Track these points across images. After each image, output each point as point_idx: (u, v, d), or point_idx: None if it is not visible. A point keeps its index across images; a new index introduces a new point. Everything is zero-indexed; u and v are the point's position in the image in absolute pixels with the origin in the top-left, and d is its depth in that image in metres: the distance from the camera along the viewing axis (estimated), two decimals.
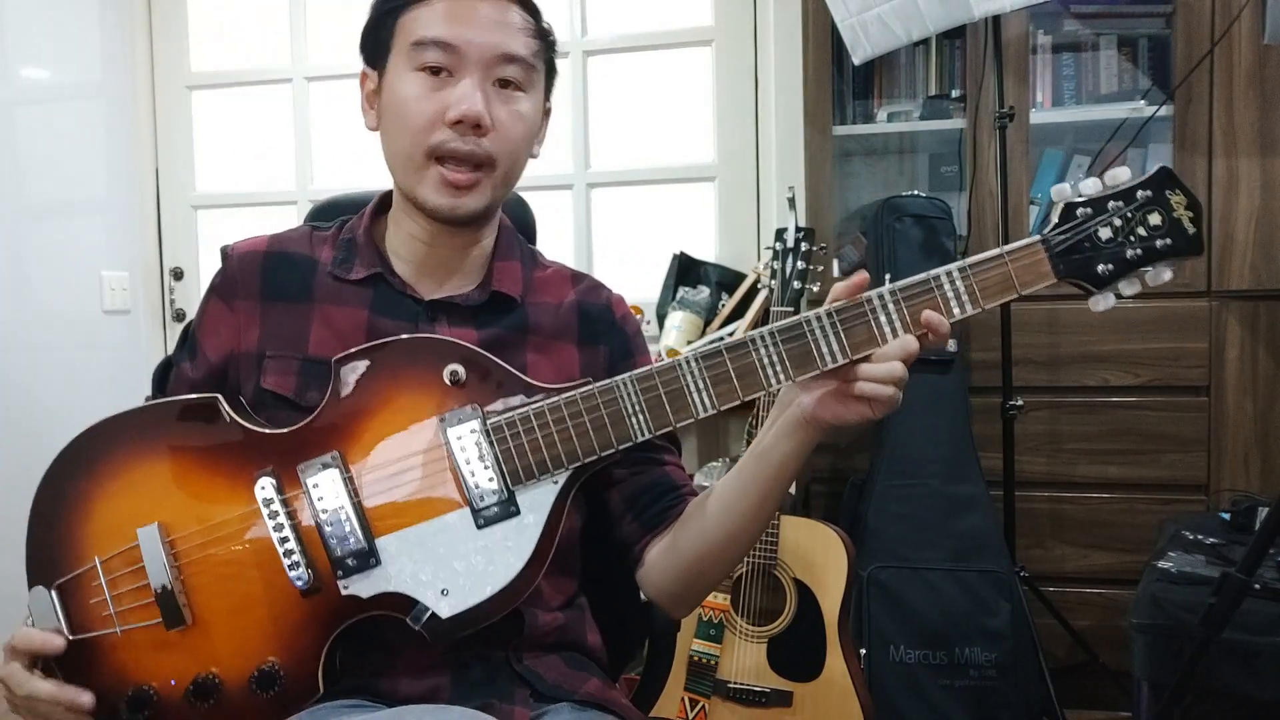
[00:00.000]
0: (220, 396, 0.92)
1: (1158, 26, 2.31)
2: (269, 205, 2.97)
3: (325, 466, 0.87)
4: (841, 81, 2.45)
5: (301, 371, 0.96)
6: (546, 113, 1.05)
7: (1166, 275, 0.84)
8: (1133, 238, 0.83)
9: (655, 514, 1.00)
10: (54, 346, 2.64)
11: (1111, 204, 0.83)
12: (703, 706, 1.78)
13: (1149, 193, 0.83)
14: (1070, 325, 2.23)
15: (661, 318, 2.51)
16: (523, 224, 1.22)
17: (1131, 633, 1.62)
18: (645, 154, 2.74)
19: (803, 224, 1.94)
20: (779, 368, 0.84)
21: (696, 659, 1.79)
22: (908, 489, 2.11)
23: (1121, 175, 0.84)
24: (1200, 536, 1.81)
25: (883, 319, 0.83)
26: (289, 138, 2.96)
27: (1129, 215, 0.83)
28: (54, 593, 0.89)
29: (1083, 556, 2.25)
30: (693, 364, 0.85)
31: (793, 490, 2.12)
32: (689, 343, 2.41)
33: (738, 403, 0.86)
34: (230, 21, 3.00)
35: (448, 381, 0.88)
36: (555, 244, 2.77)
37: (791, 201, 2.01)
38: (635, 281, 2.64)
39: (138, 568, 0.88)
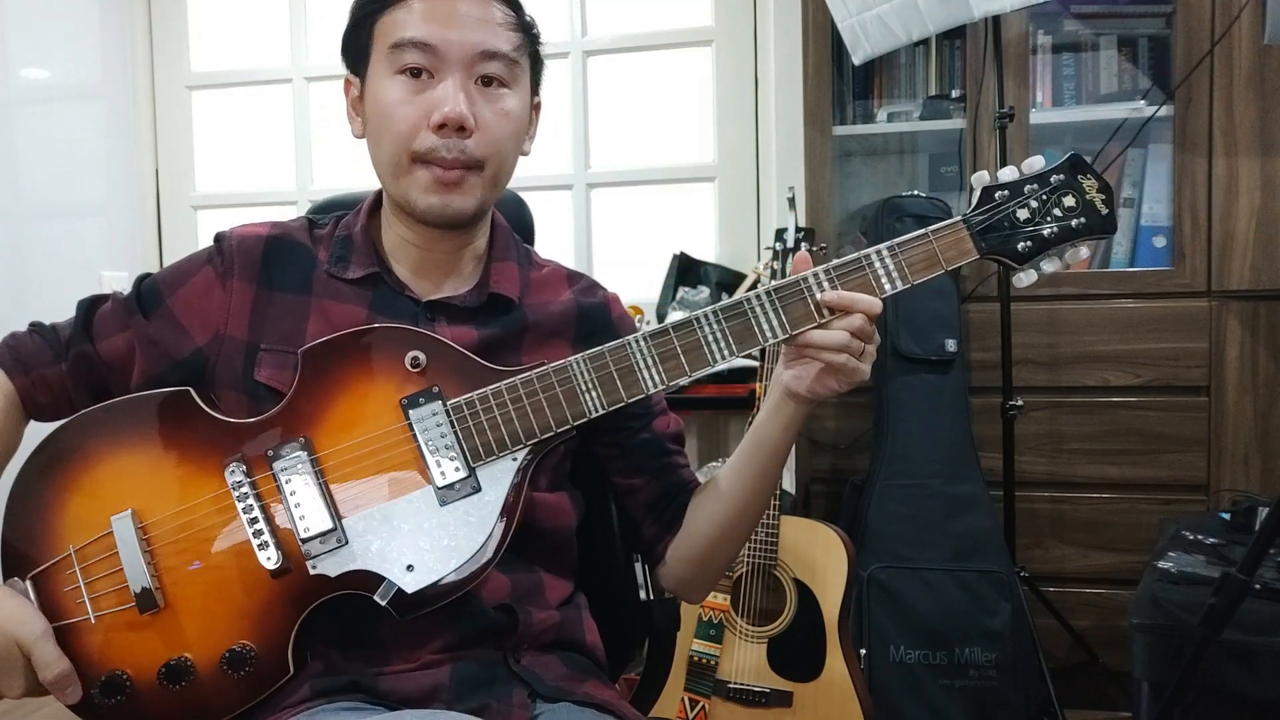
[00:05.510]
0: (191, 390, 0.94)
1: (1158, 26, 2.31)
2: (269, 205, 2.96)
3: (293, 451, 0.90)
4: (841, 81, 2.45)
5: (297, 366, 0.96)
6: (536, 107, 1.04)
7: (1084, 253, 0.92)
8: (1049, 218, 0.91)
9: (672, 515, 1.05)
10: None
11: (1027, 188, 0.91)
12: (703, 707, 1.78)
13: (1061, 177, 0.91)
14: (1070, 325, 2.23)
15: (661, 318, 2.51)
16: (520, 224, 1.22)
17: (1131, 633, 1.62)
18: (645, 154, 2.74)
19: (803, 224, 1.94)
20: (723, 344, 0.90)
21: (696, 659, 1.79)
22: (908, 489, 2.11)
23: (1036, 163, 0.92)
24: (1200, 536, 1.81)
25: (819, 296, 0.90)
26: (289, 138, 2.96)
27: (1044, 198, 0.91)
28: (29, 583, 0.90)
29: (1083, 556, 2.25)
30: (641, 343, 0.90)
31: (793, 490, 2.12)
32: None
33: (686, 379, 0.91)
34: (230, 21, 3.00)
35: (409, 367, 0.91)
36: (555, 244, 2.77)
37: (791, 201, 2.01)
38: (635, 281, 2.64)
39: (111, 554, 0.89)
